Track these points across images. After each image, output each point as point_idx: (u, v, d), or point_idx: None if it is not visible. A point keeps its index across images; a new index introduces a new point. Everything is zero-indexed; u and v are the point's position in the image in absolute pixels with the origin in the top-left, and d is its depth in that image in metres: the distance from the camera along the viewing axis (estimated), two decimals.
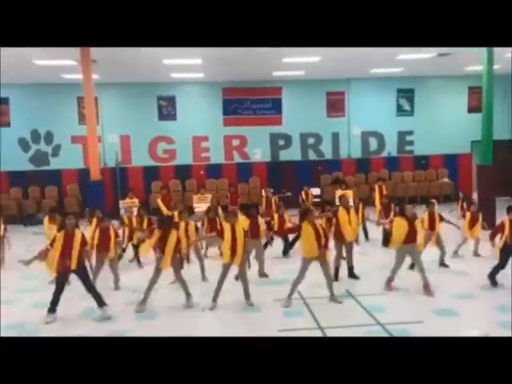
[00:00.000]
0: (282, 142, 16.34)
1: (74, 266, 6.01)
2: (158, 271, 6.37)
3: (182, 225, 7.44)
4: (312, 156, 16.44)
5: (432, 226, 7.84)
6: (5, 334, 5.63)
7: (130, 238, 8.80)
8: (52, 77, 13.73)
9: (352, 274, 7.63)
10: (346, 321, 5.87)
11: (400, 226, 6.68)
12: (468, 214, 8.70)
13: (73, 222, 6.14)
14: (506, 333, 5.26)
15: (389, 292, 6.86)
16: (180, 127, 15.83)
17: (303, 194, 12.82)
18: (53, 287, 6.17)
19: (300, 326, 5.73)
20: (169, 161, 15.97)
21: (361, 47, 8.93)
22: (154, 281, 6.39)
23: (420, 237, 6.87)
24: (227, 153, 16.20)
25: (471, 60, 12.85)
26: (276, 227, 8.58)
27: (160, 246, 6.34)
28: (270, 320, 5.97)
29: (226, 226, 6.40)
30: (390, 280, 6.97)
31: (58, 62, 11.70)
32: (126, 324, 5.98)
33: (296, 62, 12.77)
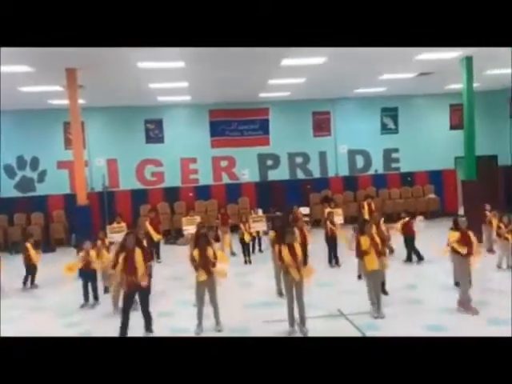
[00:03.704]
0: (270, 162, 16.43)
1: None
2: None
3: None
4: (300, 175, 16.54)
5: None
6: None
7: None
8: (38, 103, 13.69)
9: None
10: None
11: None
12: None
13: (133, 239, 6.21)
14: None
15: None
16: (168, 150, 15.83)
17: (292, 214, 12.80)
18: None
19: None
20: (157, 183, 15.91)
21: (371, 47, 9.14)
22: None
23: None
24: (216, 174, 16.21)
25: (451, 79, 13.19)
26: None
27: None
28: None
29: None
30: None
31: (43, 87, 11.69)
32: None
33: (281, 84, 12.96)
